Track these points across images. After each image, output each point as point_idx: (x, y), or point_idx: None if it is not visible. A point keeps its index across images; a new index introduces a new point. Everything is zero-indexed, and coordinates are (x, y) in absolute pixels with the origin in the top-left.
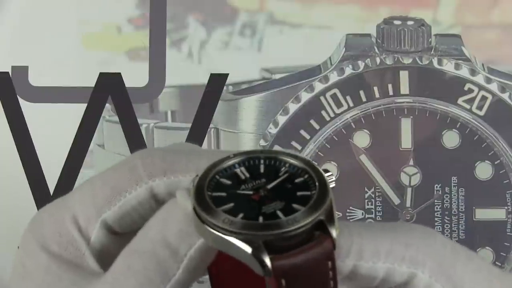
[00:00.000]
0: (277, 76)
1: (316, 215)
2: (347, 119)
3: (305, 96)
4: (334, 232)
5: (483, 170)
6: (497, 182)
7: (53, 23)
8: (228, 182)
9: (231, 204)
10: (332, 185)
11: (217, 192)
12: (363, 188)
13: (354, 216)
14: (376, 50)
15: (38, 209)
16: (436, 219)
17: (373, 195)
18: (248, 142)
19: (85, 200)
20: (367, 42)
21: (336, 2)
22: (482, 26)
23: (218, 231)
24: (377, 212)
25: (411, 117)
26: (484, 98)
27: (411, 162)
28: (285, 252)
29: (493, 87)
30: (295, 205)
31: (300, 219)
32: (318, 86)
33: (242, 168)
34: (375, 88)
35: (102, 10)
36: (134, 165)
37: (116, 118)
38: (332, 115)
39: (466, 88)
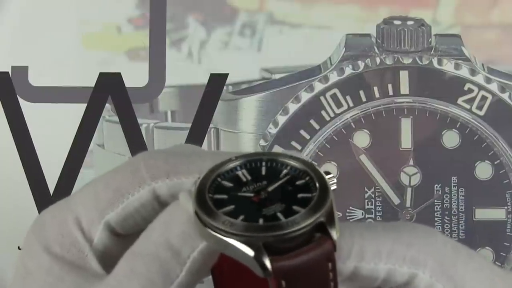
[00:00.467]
0: (277, 76)
1: (316, 217)
2: (347, 119)
3: (305, 96)
4: (334, 234)
5: (483, 170)
6: (497, 182)
7: (53, 23)
8: (230, 184)
9: (232, 206)
10: (333, 187)
11: (218, 194)
12: (363, 188)
13: (354, 216)
14: (376, 50)
15: (38, 209)
16: (436, 219)
17: (373, 195)
18: (248, 142)
19: (88, 202)
20: (367, 42)
21: (336, 2)
22: (482, 26)
23: (219, 233)
24: (377, 212)
25: (411, 117)
26: (484, 98)
27: (411, 162)
28: (285, 254)
29: (493, 87)
30: (295, 207)
31: (300, 220)
32: (318, 86)
33: (244, 171)
34: (375, 88)
35: (102, 10)
36: (137, 167)
37: (116, 118)
38: (332, 115)
39: (466, 88)
